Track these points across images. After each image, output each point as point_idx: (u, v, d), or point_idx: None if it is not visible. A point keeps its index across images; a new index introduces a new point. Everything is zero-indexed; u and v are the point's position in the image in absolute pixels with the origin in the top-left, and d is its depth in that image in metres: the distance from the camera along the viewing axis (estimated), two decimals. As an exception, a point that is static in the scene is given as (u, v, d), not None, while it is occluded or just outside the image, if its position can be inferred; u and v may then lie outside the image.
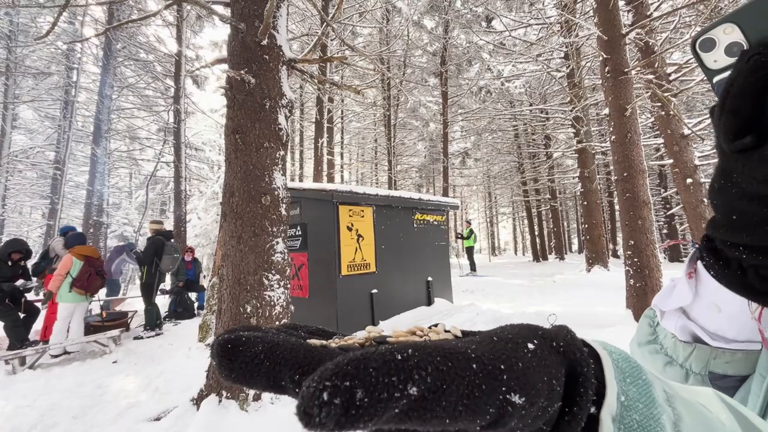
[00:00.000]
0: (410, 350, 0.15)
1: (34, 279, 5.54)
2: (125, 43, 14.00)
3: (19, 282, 5.17)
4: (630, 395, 0.20)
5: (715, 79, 0.35)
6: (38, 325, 5.26)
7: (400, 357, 0.15)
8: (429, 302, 6.24)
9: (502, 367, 0.15)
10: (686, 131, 6.66)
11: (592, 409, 0.18)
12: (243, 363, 0.18)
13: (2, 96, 13.13)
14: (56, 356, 4.73)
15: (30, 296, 5.47)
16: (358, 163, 25.07)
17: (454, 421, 0.15)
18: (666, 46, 6.95)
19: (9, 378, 4.07)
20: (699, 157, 6.90)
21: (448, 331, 0.22)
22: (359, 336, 0.22)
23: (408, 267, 6.05)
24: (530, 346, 0.17)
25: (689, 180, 6.59)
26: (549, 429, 0.18)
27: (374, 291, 5.36)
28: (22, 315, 5.08)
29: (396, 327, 0.21)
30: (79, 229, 6.31)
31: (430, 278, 6.33)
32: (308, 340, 0.21)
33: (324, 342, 0.21)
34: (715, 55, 0.34)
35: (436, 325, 0.23)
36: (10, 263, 5.10)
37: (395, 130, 17.32)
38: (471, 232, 13.20)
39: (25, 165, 16.03)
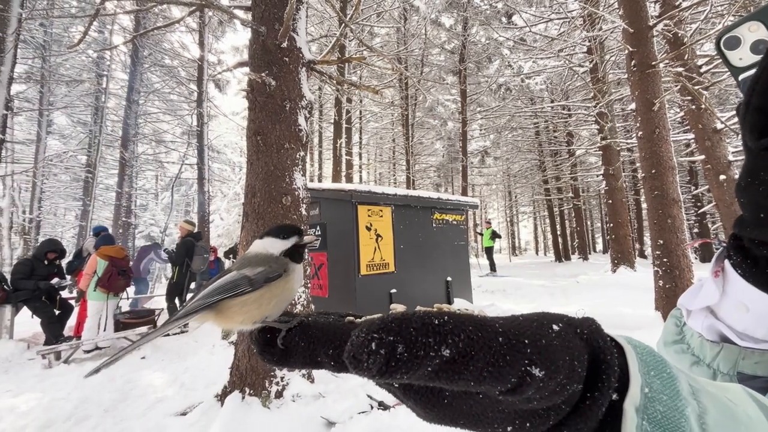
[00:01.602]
0: (446, 317, 0.17)
1: (68, 277, 5.79)
2: (151, 50, 14.50)
3: (55, 280, 5.43)
4: (654, 387, 0.20)
5: (741, 77, 0.35)
6: (71, 321, 5.50)
7: (437, 321, 0.16)
8: (448, 302, 6.15)
9: (526, 341, 0.17)
10: (719, 125, 6.37)
11: (615, 396, 0.19)
12: (280, 347, 0.20)
13: (38, 103, 13.81)
14: (88, 351, 4.94)
15: (64, 294, 5.73)
16: (376, 163, 25.13)
17: (477, 385, 0.16)
18: (696, 37, 6.65)
19: (45, 372, 4.28)
20: (733, 152, 6.58)
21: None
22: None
23: (427, 267, 6.01)
24: (555, 327, 0.18)
25: (722, 176, 6.29)
26: (568, 408, 0.19)
27: (393, 291, 5.36)
28: (57, 312, 5.33)
29: (419, 306, 0.21)
30: (110, 230, 6.57)
31: (449, 278, 6.28)
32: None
33: (351, 318, 0.22)
34: (741, 52, 0.34)
35: (467, 309, 0.23)
36: (46, 262, 5.36)
37: (413, 129, 17.27)
38: (493, 232, 13.05)
39: (59, 169, 16.83)
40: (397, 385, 0.20)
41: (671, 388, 0.21)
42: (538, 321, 0.19)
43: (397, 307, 0.23)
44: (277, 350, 0.20)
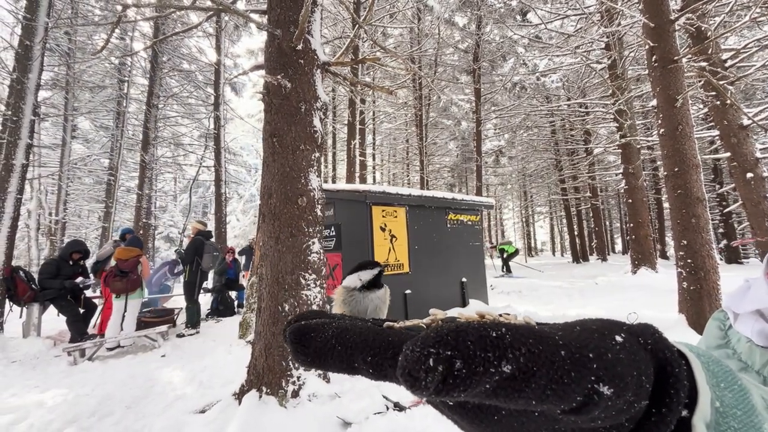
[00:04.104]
0: (504, 329, 0.15)
1: (92, 277, 5.97)
2: (170, 55, 14.86)
3: (79, 279, 5.61)
4: (726, 401, 0.18)
5: None
6: (95, 319, 5.66)
7: (494, 334, 0.15)
8: (463, 303, 6.13)
9: (591, 356, 0.15)
10: (745, 121, 6.14)
11: (684, 413, 0.17)
12: (316, 349, 0.19)
13: (63, 109, 14.31)
14: (111, 349, 5.07)
15: (88, 293, 5.91)
16: (389, 164, 25.13)
17: (539, 404, 0.15)
18: (721, 30, 6.44)
19: (71, 368, 4.42)
20: (761, 149, 6.34)
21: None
22: (424, 320, 0.22)
23: (442, 268, 5.98)
24: (618, 338, 0.17)
25: (750, 174, 6.07)
26: (631, 426, 0.17)
27: (408, 292, 5.34)
28: (81, 310, 5.50)
29: (462, 312, 0.20)
30: (132, 232, 6.71)
31: (464, 279, 6.23)
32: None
33: (390, 323, 0.21)
34: None
35: (508, 314, 0.21)
36: (71, 262, 5.54)
37: (427, 129, 17.21)
38: (508, 243, 13.04)
39: (83, 172, 17.40)
40: (451, 403, 0.18)
41: (745, 403, 0.19)
42: (599, 331, 0.17)
43: (437, 313, 0.22)
44: (311, 352, 0.19)
